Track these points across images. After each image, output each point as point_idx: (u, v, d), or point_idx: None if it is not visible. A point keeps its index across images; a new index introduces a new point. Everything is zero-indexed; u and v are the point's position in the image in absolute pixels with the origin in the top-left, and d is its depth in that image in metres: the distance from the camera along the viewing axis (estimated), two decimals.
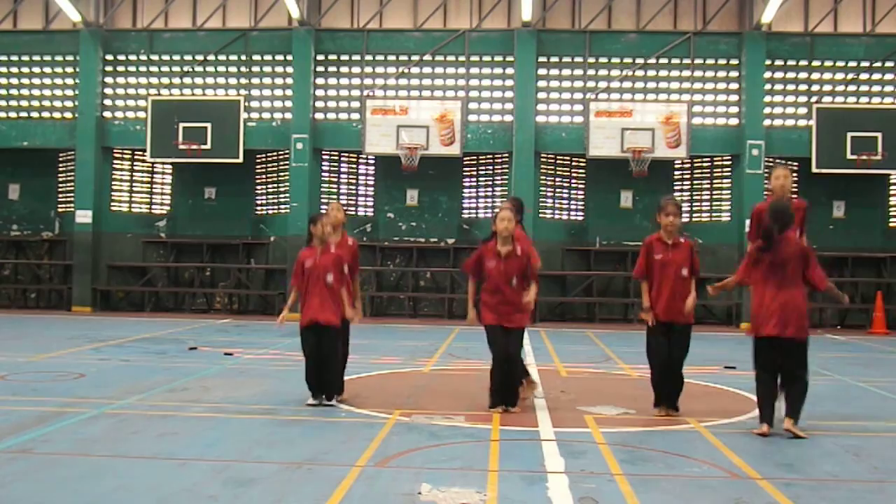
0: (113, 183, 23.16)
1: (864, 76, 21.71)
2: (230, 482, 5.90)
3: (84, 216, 22.22)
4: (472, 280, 8.92)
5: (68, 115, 22.89)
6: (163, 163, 23.14)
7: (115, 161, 23.23)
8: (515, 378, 8.86)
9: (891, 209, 22.54)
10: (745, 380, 11.36)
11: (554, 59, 21.96)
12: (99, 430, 7.54)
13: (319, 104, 22.26)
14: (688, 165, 22.44)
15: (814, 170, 21.24)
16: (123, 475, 6.06)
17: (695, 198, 22.41)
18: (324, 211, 9.45)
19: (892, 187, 22.53)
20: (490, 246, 8.81)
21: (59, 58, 22.99)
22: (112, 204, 23.09)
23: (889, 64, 21.64)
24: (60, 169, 23.65)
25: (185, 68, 22.62)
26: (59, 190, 23.65)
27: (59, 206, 23.59)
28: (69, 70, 22.97)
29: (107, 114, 22.71)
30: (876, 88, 21.77)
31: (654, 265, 8.66)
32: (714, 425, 8.20)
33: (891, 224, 22.45)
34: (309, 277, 8.87)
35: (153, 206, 23.68)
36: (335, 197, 22.48)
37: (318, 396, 8.91)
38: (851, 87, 21.79)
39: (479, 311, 8.84)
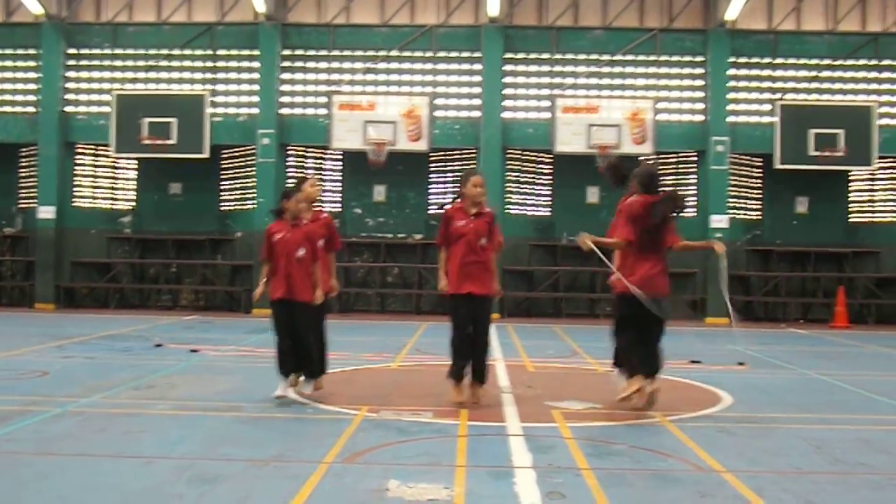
0: (76, 178, 22.91)
1: (826, 73, 21.97)
2: (196, 480, 5.86)
3: (47, 212, 21.97)
4: (443, 250, 8.95)
5: (30, 109, 22.60)
6: (127, 158, 22.90)
7: (78, 156, 22.97)
8: (483, 350, 8.81)
9: (852, 205, 22.84)
10: (711, 374, 11.49)
11: (521, 55, 22.01)
12: (63, 428, 7.47)
13: (286, 99, 22.16)
14: (653, 161, 22.55)
15: (777, 166, 21.48)
16: (88, 474, 6.01)
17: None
18: (297, 183, 9.33)
19: (852, 183, 22.83)
20: (457, 207, 8.84)
21: (20, 51, 22.69)
22: (75, 199, 22.84)
23: (851, 62, 21.92)
24: (22, 164, 23.33)
25: (150, 62, 22.42)
26: (21, 185, 23.32)
27: (21, 201, 23.27)
28: (31, 64, 22.67)
29: (70, 108, 22.45)
30: (838, 86, 22.03)
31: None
32: (679, 419, 8.27)
33: (852, 219, 22.76)
34: (279, 252, 8.77)
35: (117, 202, 23.44)
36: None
37: (289, 382, 8.80)
38: (814, 85, 22.05)
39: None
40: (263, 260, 8.96)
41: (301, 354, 8.83)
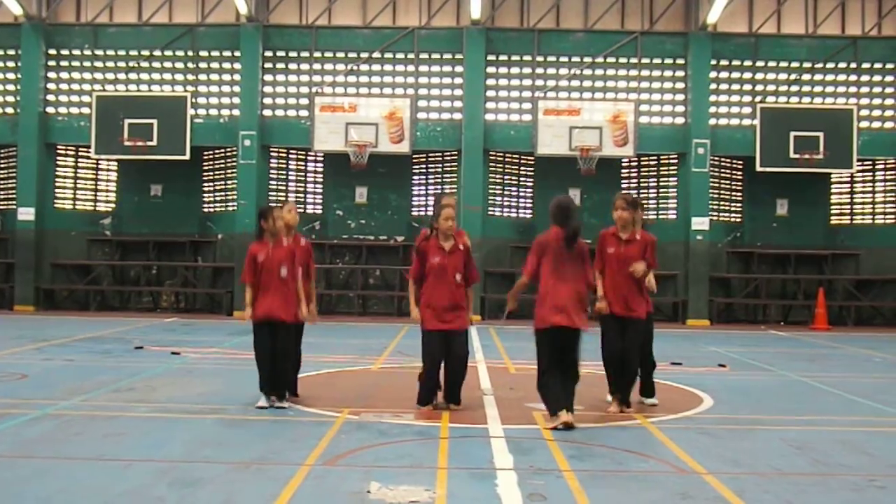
0: (56, 180, 22.75)
1: (806, 77, 22.11)
2: (177, 483, 5.84)
3: (27, 213, 21.81)
4: (413, 282, 8.97)
5: (10, 110, 22.44)
6: (108, 159, 22.78)
7: (59, 157, 22.83)
8: (459, 379, 8.81)
9: (832, 208, 22.99)
10: (692, 376, 11.53)
11: (503, 58, 22.03)
12: (42, 431, 7.42)
13: (267, 101, 22.09)
14: (635, 164, 22.65)
15: (758, 168, 21.59)
16: (67, 477, 5.97)
17: (641, 196, 22.60)
18: (273, 205, 9.31)
19: (833, 186, 22.96)
20: (431, 243, 8.83)
21: None
22: (56, 201, 22.68)
23: (830, 65, 22.07)
24: (2, 165, 23.14)
25: (131, 64, 22.30)
26: (1, 187, 23.14)
27: (1, 203, 23.09)
28: (11, 65, 22.51)
29: (50, 109, 22.31)
30: (818, 89, 22.18)
31: (607, 259, 8.83)
32: (661, 421, 8.30)
33: (832, 222, 22.90)
34: (262, 272, 8.68)
35: (98, 204, 23.30)
36: (283, 194, 22.29)
37: (270, 398, 8.73)
38: (794, 88, 22.18)
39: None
40: (248, 283, 8.77)
41: (279, 373, 8.73)
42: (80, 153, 22.91)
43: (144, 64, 22.29)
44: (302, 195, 22.70)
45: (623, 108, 21.37)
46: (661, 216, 22.52)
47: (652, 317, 9.15)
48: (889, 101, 22.12)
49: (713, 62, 21.87)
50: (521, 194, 22.88)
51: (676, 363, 12.79)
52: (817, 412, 9.21)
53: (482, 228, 21.26)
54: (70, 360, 12.08)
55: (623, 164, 22.60)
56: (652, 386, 9.26)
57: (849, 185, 22.94)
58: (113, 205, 23.34)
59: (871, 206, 22.81)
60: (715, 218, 22.23)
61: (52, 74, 22.38)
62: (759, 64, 22.13)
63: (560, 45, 22.03)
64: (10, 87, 22.51)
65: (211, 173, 23.04)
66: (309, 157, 22.72)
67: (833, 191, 23.00)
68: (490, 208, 22.22)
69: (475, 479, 6.06)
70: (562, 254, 8.11)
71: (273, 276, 8.65)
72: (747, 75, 22.17)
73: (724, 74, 22.13)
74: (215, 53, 22.25)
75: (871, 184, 22.82)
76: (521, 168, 22.83)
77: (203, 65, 22.28)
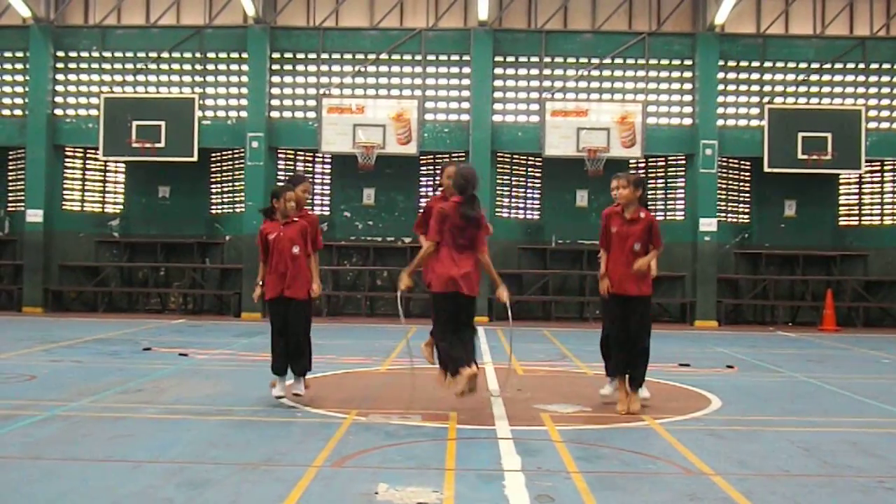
0: (65, 182, 22.83)
1: (814, 77, 22.06)
2: (185, 484, 5.84)
3: (35, 215, 21.88)
4: (419, 233, 8.95)
5: (18, 112, 22.52)
6: (116, 161, 22.85)
7: (67, 159, 22.90)
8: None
9: (840, 208, 22.94)
10: (700, 377, 11.51)
11: (510, 59, 22.04)
12: (50, 432, 7.43)
13: (275, 102, 22.14)
14: (643, 165, 22.63)
15: (766, 169, 21.56)
16: (75, 478, 5.98)
17: (649, 197, 22.57)
18: (283, 185, 9.34)
19: (841, 187, 22.92)
20: (439, 198, 8.85)
21: (8, 54, 22.62)
22: (64, 203, 22.75)
23: (838, 65, 22.02)
24: (10, 167, 23.25)
25: (139, 66, 22.36)
26: (10, 189, 23.23)
27: (10, 205, 23.18)
28: (19, 67, 22.60)
29: (58, 111, 22.38)
30: (826, 89, 22.13)
31: (611, 237, 8.84)
32: (669, 422, 8.28)
33: (840, 223, 22.85)
34: (273, 250, 8.82)
35: (106, 206, 23.36)
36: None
37: (283, 380, 8.80)
38: (802, 88, 22.13)
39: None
40: (263, 261, 8.98)
41: (293, 351, 8.85)
42: (88, 155, 22.97)
43: (152, 66, 22.34)
44: (309, 196, 22.66)
45: (631, 109, 21.35)
46: (668, 217, 22.48)
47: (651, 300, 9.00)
48: None
49: (721, 63, 21.85)
50: (529, 195, 22.88)
51: (684, 364, 12.77)
52: (825, 413, 9.19)
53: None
54: (78, 362, 12.10)
55: (630, 165, 22.55)
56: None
57: (857, 186, 22.89)
58: (121, 206, 23.40)
59: (879, 206, 22.75)
60: (723, 219, 22.20)
61: (60, 76, 22.45)
62: (767, 64, 22.10)
63: (567, 46, 22.03)
64: (19, 89, 22.59)
65: (218, 175, 23.09)
66: (316, 159, 22.75)
67: (841, 191, 22.96)
68: (497, 210, 22.21)
69: (483, 480, 6.06)
70: (460, 222, 8.24)
71: (285, 255, 8.78)
72: (755, 76, 22.14)
73: (731, 75, 22.10)
74: (223, 55, 22.29)
75: (879, 184, 22.76)
76: (529, 169, 22.83)
77: (210, 66, 22.32)
